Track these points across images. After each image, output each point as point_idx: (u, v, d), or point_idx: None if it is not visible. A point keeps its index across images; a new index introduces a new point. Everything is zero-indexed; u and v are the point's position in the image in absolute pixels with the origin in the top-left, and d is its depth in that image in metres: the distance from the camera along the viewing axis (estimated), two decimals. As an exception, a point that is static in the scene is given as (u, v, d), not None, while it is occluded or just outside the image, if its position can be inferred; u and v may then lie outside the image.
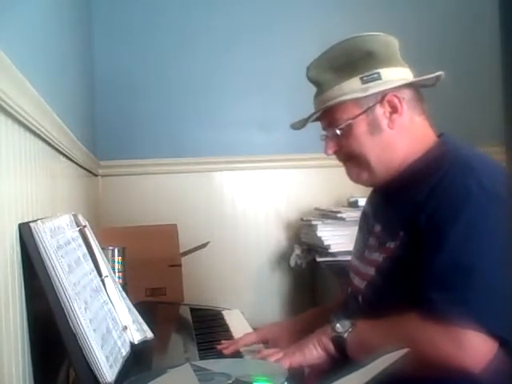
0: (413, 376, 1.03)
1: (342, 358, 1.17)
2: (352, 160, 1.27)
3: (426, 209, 1.11)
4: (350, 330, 1.17)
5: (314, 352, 1.19)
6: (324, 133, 1.30)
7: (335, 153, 1.29)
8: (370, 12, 2.58)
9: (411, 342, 1.04)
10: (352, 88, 1.22)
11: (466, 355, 1.02)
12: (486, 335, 1.02)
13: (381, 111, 1.23)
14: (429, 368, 1.05)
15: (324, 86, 1.26)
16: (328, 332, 1.19)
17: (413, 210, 1.13)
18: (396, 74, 1.23)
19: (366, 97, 1.22)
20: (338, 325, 1.18)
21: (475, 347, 1.02)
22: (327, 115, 1.27)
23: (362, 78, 1.22)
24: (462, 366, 1.02)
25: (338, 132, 1.24)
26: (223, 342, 1.36)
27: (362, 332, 1.16)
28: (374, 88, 1.21)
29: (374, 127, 1.23)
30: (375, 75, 1.21)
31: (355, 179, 1.31)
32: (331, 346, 1.18)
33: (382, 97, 1.22)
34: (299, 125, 1.31)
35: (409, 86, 1.24)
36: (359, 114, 1.23)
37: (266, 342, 1.40)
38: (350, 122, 1.23)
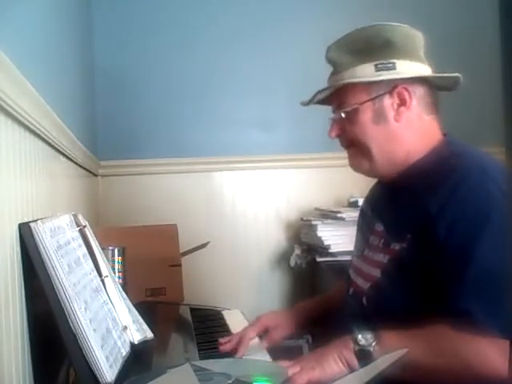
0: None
1: None
2: (354, 147, 1.26)
3: (445, 217, 1.07)
4: (373, 343, 1.09)
5: (334, 367, 1.09)
6: (332, 116, 1.30)
7: (338, 136, 1.28)
8: (370, 12, 2.57)
9: (449, 352, 1.03)
10: (364, 73, 1.21)
11: (507, 364, 0.98)
12: None
13: (389, 102, 1.22)
14: (468, 377, 1.02)
15: (339, 67, 1.25)
16: (350, 345, 1.10)
17: (424, 215, 1.10)
18: (412, 68, 1.22)
19: (376, 84, 1.21)
20: (359, 337, 1.09)
21: None
22: (337, 97, 1.26)
23: (376, 65, 1.20)
24: (504, 376, 0.97)
25: (343, 115, 1.24)
26: (221, 339, 1.33)
27: (391, 346, 1.07)
28: (386, 76, 1.20)
29: (380, 116, 1.22)
30: (390, 65, 1.20)
31: (356, 167, 1.29)
32: (355, 361, 1.08)
33: (392, 87, 1.21)
34: (308, 101, 1.30)
35: (423, 83, 1.23)
36: (367, 101, 1.22)
37: (266, 331, 1.39)
38: (356, 106, 1.22)
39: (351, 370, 1.08)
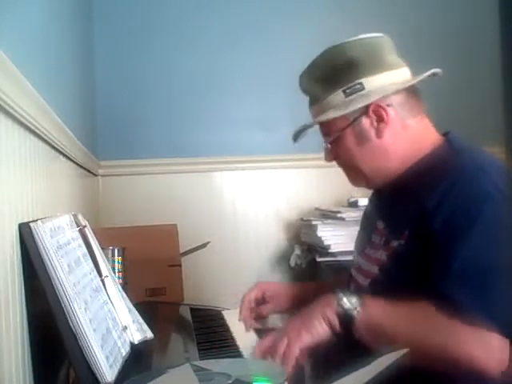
0: (425, 369, 1.02)
1: (347, 336, 1.11)
2: (347, 167, 1.30)
3: (441, 212, 1.09)
4: (358, 308, 1.10)
5: (319, 329, 1.10)
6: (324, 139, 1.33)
7: (332, 160, 1.32)
8: (369, 12, 2.58)
9: (433, 335, 1.04)
10: (336, 102, 1.23)
11: (491, 358, 1.01)
12: (504, 338, 1.01)
13: (367, 122, 1.23)
14: (447, 362, 1.03)
15: (313, 98, 1.29)
16: (333, 306, 1.11)
17: (421, 211, 1.12)
18: (381, 81, 1.21)
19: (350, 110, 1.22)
20: (344, 299, 1.11)
21: (497, 349, 1.01)
22: (322, 126, 1.30)
23: (344, 91, 1.22)
24: (485, 369, 1.00)
25: (329, 146, 1.28)
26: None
27: (375, 313, 1.10)
28: (357, 101, 1.20)
29: (362, 138, 1.24)
30: (358, 86, 1.21)
31: (354, 184, 1.34)
32: (337, 322, 1.10)
33: (366, 108, 1.21)
34: (296, 137, 1.34)
35: (398, 90, 1.22)
36: (346, 127, 1.24)
37: (263, 299, 1.44)
38: (338, 134, 1.25)
39: (333, 330, 1.10)
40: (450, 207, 1.09)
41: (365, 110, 1.22)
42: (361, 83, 1.21)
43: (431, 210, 1.10)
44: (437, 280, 1.07)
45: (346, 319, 1.10)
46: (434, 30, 2.63)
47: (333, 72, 1.23)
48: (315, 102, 1.28)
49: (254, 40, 2.64)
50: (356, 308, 1.10)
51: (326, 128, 1.28)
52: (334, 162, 1.35)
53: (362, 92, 1.21)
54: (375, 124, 1.22)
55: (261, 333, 1.40)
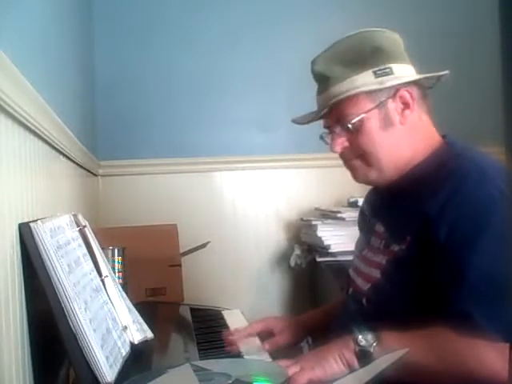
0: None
1: None
2: (360, 158, 1.24)
3: (445, 218, 1.07)
4: (374, 343, 1.09)
5: (334, 367, 1.09)
6: (326, 131, 1.28)
7: (344, 149, 1.25)
8: (369, 12, 2.58)
9: (450, 355, 1.03)
10: (365, 81, 1.19)
11: (507, 369, 0.98)
12: None
13: (393, 106, 1.21)
14: (467, 380, 1.02)
15: (334, 79, 1.21)
16: (351, 346, 1.10)
17: (423, 217, 1.10)
18: (406, 70, 1.22)
19: (379, 91, 1.20)
20: (360, 337, 1.09)
21: None
22: (336, 111, 1.22)
23: (375, 72, 1.19)
24: (503, 380, 0.98)
25: (350, 127, 1.20)
26: (226, 332, 1.36)
27: (390, 346, 1.08)
28: (389, 82, 1.19)
29: (387, 122, 1.21)
30: (387, 70, 1.20)
31: (362, 178, 1.27)
32: (355, 361, 1.09)
33: (394, 92, 1.20)
34: (305, 120, 1.27)
35: (416, 84, 1.23)
36: (372, 109, 1.20)
37: (269, 334, 1.39)
38: (362, 116, 1.20)
39: (351, 369, 1.08)
40: (455, 214, 1.07)
41: (392, 95, 1.20)
42: (390, 68, 1.20)
43: (434, 216, 1.08)
44: (449, 295, 1.05)
45: (363, 357, 1.09)
46: (434, 30, 2.63)
47: (359, 56, 1.21)
48: (336, 83, 1.20)
49: (253, 40, 2.64)
50: (372, 344, 1.09)
51: (346, 110, 1.21)
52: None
53: (392, 75, 1.20)
54: (399, 110, 1.21)
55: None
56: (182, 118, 2.62)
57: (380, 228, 1.27)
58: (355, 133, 1.21)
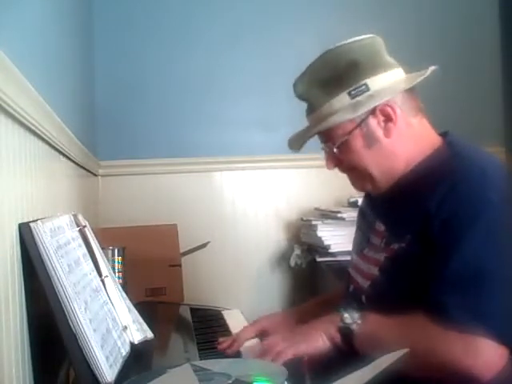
0: (417, 377, 1.03)
1: (348, 350, 1.15)
2: (354, 172, 1.26)
3: (440, 214, 1.08)
4: (358, 321, 1.15)
5: (319, 342, 1.16)
6: (323, 146, 1.29)
7: (336, 167, 1.28)
8: (369, 12, 2.58)
9: (422, 343, 1.04)
10: (342, 105, 1.20)
11: (476, 363, 1.00)
12: (497, 343, 1.01)
13: (375, 122, 1.20)
14: (436, 371, 1.04)
15: (313, 104, 1.24)
16: (336, 322, 1.16)
17: (423, 215, 1.11)
18: (384, 81, 1.20)
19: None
20: (346, 315, 1.16)
21: (486, 355, 1.01)
22: (322, 132, 1.25)
23: (349, 93, 1.19)
24: (471, 373, 1.00)
25: (335, 150, 1.23)
26: (221, 339, 1.36)
27: (372, 326, 1.14)
28: (364, 103, 1.18)
29: (371, 139, 1.21)
30: (363, 87, 1.19)
31: (359, 189, 1.31)
32: (338, 337, 1.15)
33: (373, 108, 1.19)
34: (297, 146, 1.29)
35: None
36: (354, 129, 1.21)
37: (265, 334, 1.39)
38: (345, 138, 1.21)
39: (334, 345, 1.15)
40: (449, 210, 1.08)
41: (372, 111, 1.20)
42: (365, 84, 1.19)
43: (432, 213, 1.09)
44: (429, 283, 1.07)
45: (345, 333, 1.15)
46: (434, 31, 2.63)
47: (334, 75, 1.21)
48: (316, 108, 1.24)
49: (254, 40, 2.64)
50: (356, 322, 1.15)
51: (329, 134, 1.23)
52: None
53: (368, 93, 1.19)
54: (382, 124, 1.20)
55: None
56: (182, 117, 2.62)
57: (380, 226, 1.27)
58: (343, 153, 1.24)
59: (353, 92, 1.19)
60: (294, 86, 1.27)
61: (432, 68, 1.21)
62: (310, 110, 1.26)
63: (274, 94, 2.63)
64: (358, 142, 1.21)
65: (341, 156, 1.24)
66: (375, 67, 1.21)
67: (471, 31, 2.60)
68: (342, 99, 1.20)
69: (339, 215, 2.26)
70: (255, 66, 2.63)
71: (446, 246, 1.07)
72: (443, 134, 1.26)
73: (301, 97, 1.27)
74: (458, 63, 2.47)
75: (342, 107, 1.20)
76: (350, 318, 1.15)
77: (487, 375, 1.00)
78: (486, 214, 1.06)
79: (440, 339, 1.04)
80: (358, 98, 1.19)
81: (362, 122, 1.20)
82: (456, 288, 1.05)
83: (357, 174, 1.26)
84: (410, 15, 2.63)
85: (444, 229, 1.08)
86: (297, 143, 1.30)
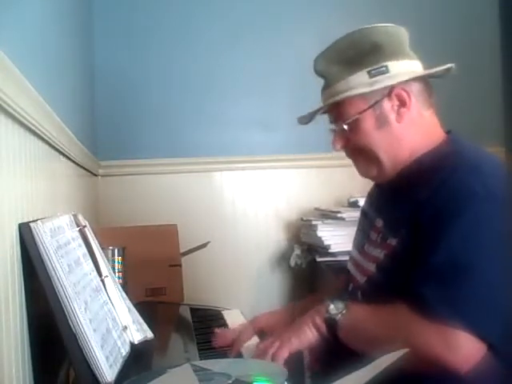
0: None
1: (334, 340, 1.17)
2: (360, 155, 1.26)
3: (430, 207, 1.09)
4: (343, 312, 1.17)
5: (309, 334, 1.18)
6: (332, 127, 1.29)
7: (343, 147, 1.28)
8: (369, 12, 2.58)
9: (402, 333, 1.06)
10: (359, 82, 1.20)
11: (453, 355, 1.01)
12: (474, 337, 1.01)
13: (389, 105, 1.21)
14: (414, 361, 1.02)
15: (331, 79, 1.24)
16: (322, 312, 1.18)
17: (415, 208, 1.12)
18: (404, 67, 1.22)
19: (373, 91, 1.20)
20: (331, 306, 1.18)
21: (463, 348, 1.01)
22: (335, 109, 1.26)
23: (369, 72, 1.20)
24: (448, 365, 1.01)
25: (346, 127, 1.23)
26: (218, 330, 1.39)
27: (355, 316, 1.16)
28: (382, 82, 1.19)
29: (382, 121, 1.22)
30: (383, 68, 1.20)
31: (364, 174, 1.30)
32: (324, 327, 1.17)
33: (389, 91, 1.21)
34: (306, 119, 1.30)
35: (417, 79, 1.23)
36: (366, 109, 1.21)
37: (263, 332, 1.40)
38: (357, 116, 1.22)
39: (321, 335, 1.18)
40: (437, 203, 1.09)
41: (387, 93, 1.21)
42: (386, 66, 1.20)
43: (422, 202, 1.11)
44: (412, 275, 1.08)
45: (330, 324, 1.17)
46: (434, 30, 2.63)
47: (357, 54, 1.21)
48: (333, 83, 1.23)
49: (254, 40, 2.64)
50: (341, 312, 1.17)
51: (342, 110, 1.24)
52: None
53: (387, 74, 1.20)
54: (396, 108, 1.21)
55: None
56: (182, 117, 2.62)
57: (379, 222, 1.28)
58: (352, 132, 1.24)
59: (373, 71, 1.20)
60: (315, 61, 1.28)
61: (450, 65, 1.23)
62: (326, 86, 1.26)
63: (274, 94, 2.63)
64: (368, 123, 1.22)
65: (349, 135, 1.24)
66: (397, 53, 1.22)
67: (471, 31, 2.60)
68: (361, 77, 1.21)
69: (339, 215, 2.26)
70: (255, 66, 2.63)
71: (430, 239, 1.08)
72: (447, 132, 1.27)
73: (319, 72, 1.27)
74: (458, 63, 2.46)
75: (360, 84, 1.20)
76: (335, 308, 1.17)
77: (464, 368, 1.01)
78: (471, 209, 1.06)
79: (420, 330, 1.04)
80: (377, 78, 1.20)
81: (376, 104, 1.21)
82: (437, 280, 1.05)
83: (363, 157, 1.26)
84: (410, 15, 2.62)
85: (431, 222, 1.09)
86: (307, 117, 1.30)
